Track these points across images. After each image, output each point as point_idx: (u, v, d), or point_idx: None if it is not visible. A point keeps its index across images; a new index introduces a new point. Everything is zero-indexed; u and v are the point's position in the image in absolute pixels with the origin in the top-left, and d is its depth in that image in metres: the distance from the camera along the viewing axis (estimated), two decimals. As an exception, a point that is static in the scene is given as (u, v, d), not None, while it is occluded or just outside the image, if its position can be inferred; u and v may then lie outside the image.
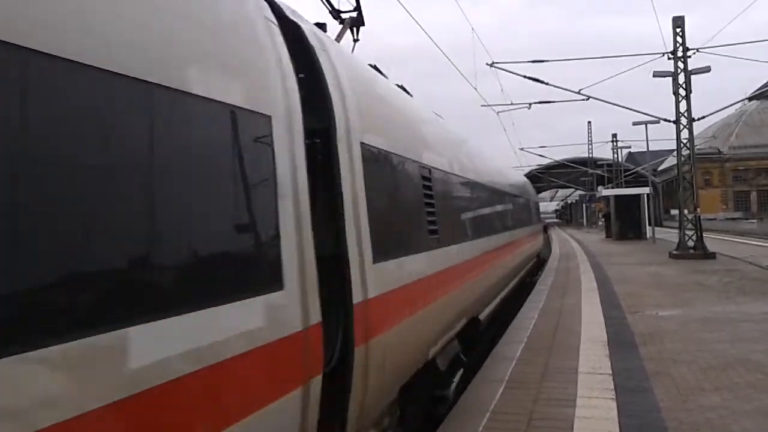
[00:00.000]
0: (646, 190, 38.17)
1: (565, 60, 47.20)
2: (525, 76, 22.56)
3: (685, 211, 22.59)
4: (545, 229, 42.18)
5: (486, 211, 10.81)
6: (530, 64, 23.12)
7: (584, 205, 71.12)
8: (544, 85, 22.84)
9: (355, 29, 7.99)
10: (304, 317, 3.42)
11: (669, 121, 23.37)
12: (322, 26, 5.24)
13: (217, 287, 2.79)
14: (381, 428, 5.19)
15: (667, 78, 22.38)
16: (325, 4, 7.61)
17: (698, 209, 22.51)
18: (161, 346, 2.37)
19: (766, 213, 73.18)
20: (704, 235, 22.39)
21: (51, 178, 2.02)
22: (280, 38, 3.70)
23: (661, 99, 35.73)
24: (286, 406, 3.21)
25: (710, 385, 6.15)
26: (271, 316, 3.13)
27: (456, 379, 7.28)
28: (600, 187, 55.88)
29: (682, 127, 22.53)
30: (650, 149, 42.57)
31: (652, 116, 27.61)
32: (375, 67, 6.93)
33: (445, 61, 18.04)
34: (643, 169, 55.10)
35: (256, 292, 3.03)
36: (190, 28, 2.84)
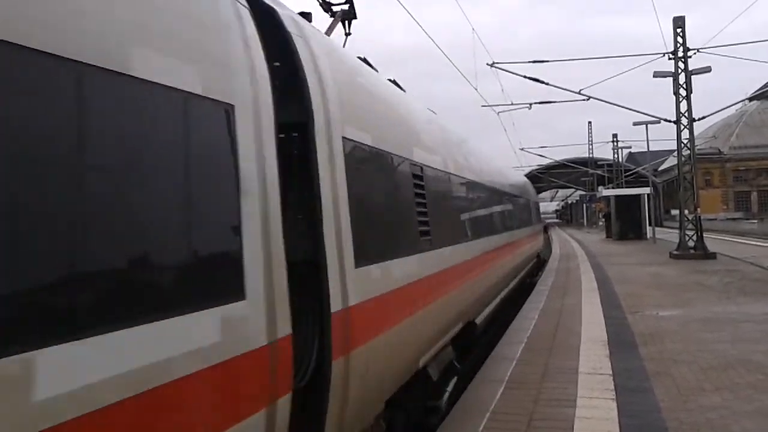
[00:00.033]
0: (646, 190, 38.16)
1: (565, 60, 47.24)
2: (525, 77, 22.56)
3: (686, 212, 22.59)
4: (545, 229, 42.15)
5: (483, 211, 10.52)
6: (530, 64, 23.14)
7: (584, 205, 71.04)
8: (544, 85, 22.84)
9: (347, 22, 7.73)
10: (271, 330, 3.11)
11: (669, 121, 23.36)
12: (306, 15, 4.98)
13: (159, 299, 2.46)
14: None
15: (667, 78, 22.38)
16: None
17: (699, 209, 22.50)
18: (77, 372, 2.01)
19: (767, 213, 73.12)
20: (705, 235, 22.38)
21: None
22: (250, 22, 3.42)
23: (662, 99, 35.70)
24: (245, 431, 2.89)
25: (711, 386, 6.14)
26: (229, 330, 2.79)
27: (449, 388, 6.97)
28: (600, 188, 55.86)
29: (682, 127, 22.53)
30: (651, 149, 42.60)
31: (653, 116, 27.63)
32: (365, 60, 6.62)
33: (446, 61, 18.04)
34: (643, 169, 55.13)
35: (211, 303, 2.70)
36: (132, 5, 2.52)
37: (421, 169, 6.46)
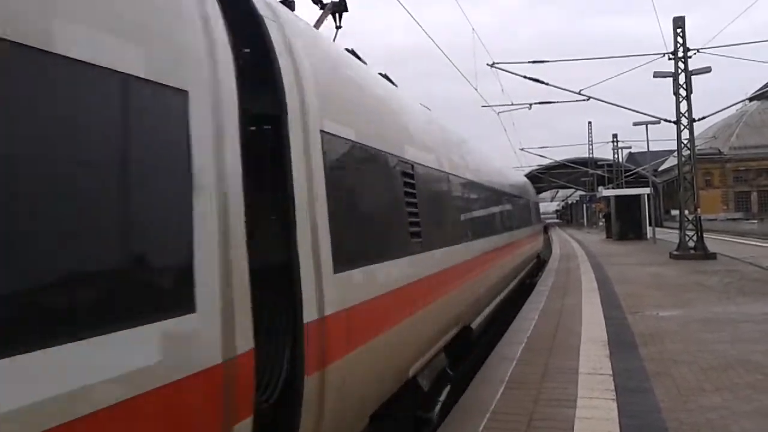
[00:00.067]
0: (646, 190, 38.17)
1: (565, 60, 47.23)
2: (525, 77, 22.56)
3: (686, 212, 22.60)
4: (546, 229, 42.12)
5: (480, 211, 10.19)
6: (531, 64, 23.13)
7: (585, 205, 71.04)
8: (544, 85, 22.85)
9: (337, 15, 7.38)
10: (227, 345, 2.76)
11: (669, 121, 23.37)
12: (289, 4, 4.67)
13: (80, 314, 2.09)
14: None
15: (667, 78, 22.38)
16: None
17: (699, 210, 22.51)
18: None
19: (767, 214, 73.11)
20: (705, 235, 22.38)
21: None
22: (212, 2, 3.08)
23: (662, 99, 35.64)
24: None
25: (711, 386, 6.15)
26: (172, 348, 2.44)
27: (442, 398, 6.59)
28: (600, 188, 55.88)
29: (682, 127, 22.53)
30: (651, 150, 42.60)
31: (653, 117, 27.65)
32: (353, 52, 6.26)
33: (446, 61, 18.04)
34: (643, 169, 55.11)
35: (149, 317, 2.34)
36: None
37: (413, 167, 6.12)
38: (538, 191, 45.07)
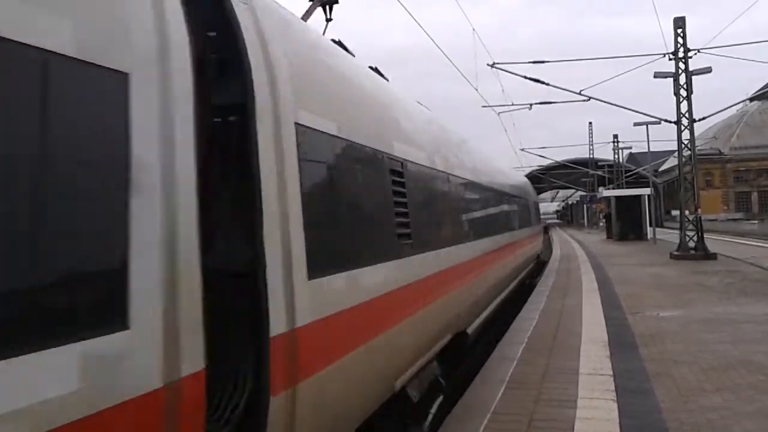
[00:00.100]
0: (647, 190, 38.16)
1: (565, 61, 47.23)
2: (526, 77, 22.56)
3: (686, 212, 22.60)
4: (546, 230, 42.09)
5: (477, 211, 9.83)
6: (531, 64, 23.14)
7: (585, 205, 71.09)
8: (544, 85, 22.85)
9: (327, 7, 7.10)
10: (170, 366, 2.43)
11: (670, 121, 23.36)
12: None
13: None
14: None
15: (668, 79, 22.38)
16: None
17: (699, 210, 22.50)
18: None
19: (767, 214, 73.08)
20: (705, 235, 22.37)
21: None
22: None
23: (662, 100, 35.63)
24: None
25: (711, 386, 6.14)
26: (97, 372, 2.12)
27: (433, 409, 6.23)
28: (601, 188, 55.93)
29: (683, 127, 22.53)
30: (651, 150, 42.58)
31: (653, 117, 27.64)
32: (339, 43, 5.94)
33: (446, 62, 18.04)
34: (644, 169, 55.11)
35: (67, 336, 2.02)
36: None
37: (403, 164, 5.77)
38: (539, 192, 45.08)
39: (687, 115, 22.33)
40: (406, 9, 11.27)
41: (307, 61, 4.34)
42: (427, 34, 13.66)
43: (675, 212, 48.04)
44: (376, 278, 4.70)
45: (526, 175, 39.48)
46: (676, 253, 22.18)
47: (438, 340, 6.61)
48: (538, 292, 14.51)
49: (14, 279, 1.91)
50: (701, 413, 5.35)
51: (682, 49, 21.92)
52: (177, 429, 2.49)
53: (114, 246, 2.27)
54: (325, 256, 3.86)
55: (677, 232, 25.82)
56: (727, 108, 35.89)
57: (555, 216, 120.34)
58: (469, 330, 8.37)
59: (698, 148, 28.71)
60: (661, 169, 79.57)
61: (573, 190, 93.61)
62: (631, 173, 59.82)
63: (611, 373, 6.75)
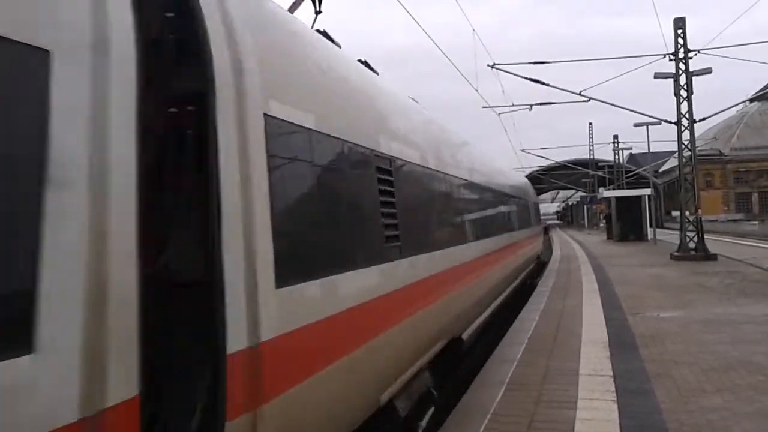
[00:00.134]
0: (647, 191, 38.17)
1: (566, 61, 47.24)
2: (526, 78, 22.57)
3: (687, 213, 22.60)
4: (546, 230, 42.07)
5: (473, 212, 9.44)
6: (531, 65, 23.16)
7: (585, 206, 71.11)
8: (545, 86, 22.86)
9: None
10: (90, 395, 2.08)
11: (670, 122, 23.37)
12: None
13: None
14: None
15: (668, 79, 22.39)
16: None
17: (699, 211, 22.50)
18: None
19: (767, 214, 73.16)
20: (705, 236, 22.37)
21: None
22: None
23: (663, 100, 35.60)
24: None
25: (711, 387, 6.13)
26: None
27: (424, 423, 5.88)
28: (601, 189, 55.92)
29: (683, 128, 22.54)
30: (651, 150, 42.65)
31: (654, 117, 27.68)
32: (324, 33, 5.60)
33: (446, 62, 18.05)
34: (644, 170, 55.14)
35: None
36: None
37: (391, 162, 5.44)
38: (539, 192, 45.08)
39: (687, 115, 22.34)
40: (405, 9, 11.27)
41: (283, 50, 3.99)
42: (427, 35, 13.66)
43: (675, 213, 48.07)
44: (358, 284, 4.34)
45: (527, 176, 39.53)
46: (676, 253, 22.18)
47: (430, 348, 6.22)
48: (539, 293, 14.51)
49: None
50: (701, 414, 5.35)
51: (682, 50, 21.92)
52: None
53: (18, 250, 1.95)
54: (298, 262, 3.52)
55: (677, 232, 25.81)
56: (728, 109, 35.71)
57: (555, 217, 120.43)
58: (465, 335, 8.02)
59: (698, 148, 28.72)
60: (661, 169, 79.61)
61: (573, 191, 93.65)
62: (631, 174, 59.84)
63: (611, 373, 6.74)
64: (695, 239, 21.92)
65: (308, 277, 3.59)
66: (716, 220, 60.60)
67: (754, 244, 30.18)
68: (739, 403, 5.59)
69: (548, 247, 33.66)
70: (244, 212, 3.01)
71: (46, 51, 2.08)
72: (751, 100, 73.42)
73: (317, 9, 6.75)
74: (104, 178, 2.25)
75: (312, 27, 5.65)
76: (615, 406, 5.62)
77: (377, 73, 6.90)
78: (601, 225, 50.80)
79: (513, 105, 29.89)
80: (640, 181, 58.62)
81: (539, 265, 23.52)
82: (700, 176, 37.25)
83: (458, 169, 8.78)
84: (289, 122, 3.61)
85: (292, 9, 6.39)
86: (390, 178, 5.34)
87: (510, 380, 6.71)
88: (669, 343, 8.18)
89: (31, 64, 2.04)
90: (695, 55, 22.08)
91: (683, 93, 22.15)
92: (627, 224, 36.62)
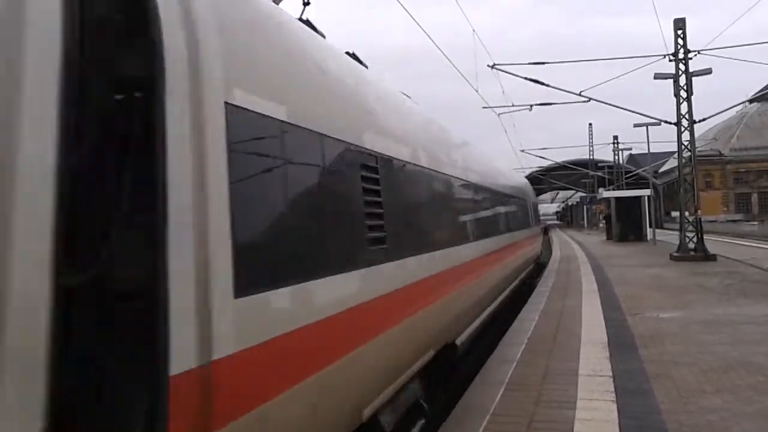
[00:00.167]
0: (647, 192, 38.20)
1: (566, 62, 47.25)
2: (526, 78, 22.57)
3: (686, 213, 22.61)
4: (546, 231, 42.05)
5: (467, 213, 9.04)
6: (531, 65, 23.17)
7: (585, 206, 71.13)
8: (544, 86, 22.86)
9: None
10: None
11: (670, 123, 23.39)
12: None
13: None
14: None
15: (668, 80, 22.40)
16: None
17: (699, 211, 22.53)
18: None
19: (767, 215, 73.11)
20: (705, 237, 22.39)
21: None
22: None
23: (662, 101, 35.59)
24: None
25: (711, 387, 6.13)
26: None
27: None
28: (601, 189, 55.98)
29: (683, 129, 22.56)
30: (651, 151, 42.61)
31: (653, 118, 27.71)
32: (308, 23, 5.23)
33: (446, 62, 18.05)
34: (644, 171, 55.15)
35: None
36: None
37: (377, 159, 5.08)
38: (539, 193, 45.14)
39: (687, 116, 22.35)
40: (405, 9, 11.27)
41: (253, 33, 3.63)
42: (427, 35, 13.66)
43: (675, 213, 48.07)
44: (336, 291, 3.95)
45: (527, 176, 39.49)
46: (675, 254, 22.19)
47: (419, 357, 5.84)
48: (539, 293, 14.52)
49: None
50: (701, 414, 5.35)
51: (682, 51, 21.94)
52: None
53: None
54: (264, 268, 3.15)
55: (677, 233, 25.82)
56: (727, 109, 35.78)
57: (555, 217, 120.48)
58: (459, 341, 7.62)
59: (698, 149, 28.73)
60: (661, 170, 79.66)
61: (573, 191, 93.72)
62: (631, 174, 59.88)
63: (611, 374, 6.74)
64: (695, 240, 21.93)
65: (275, 285, 3.22)
66: (716, 221, 60.64)
67: (754, 244, 30.19)
68: (739, 404, 5.59)
69: (548, 247, 33.65)
70: (197, 212, 2.65)
71: None
72: (751, 101, 73.43)
73: (305, 0, 6.39)
74: (11, 170, 1.99)
75: (300, 16, 5.36)
76: (614, 407, 5.61)
77: (366, 66, 6.55)
78: (601, 225, 50.82)
79: (513, 105, 29.88)
80: (639, 182, 58.66)
81: (538, 266, 23.33)
82: (700, 177, 37.27)
83: (452, 168, 8.46)
84: (256, 113, 3.26)
85: (277, 0, 6.14)
86: (375, 176, 5.00)
87: (509, 380, 6.71)
88: (668, 344, 8.18)
89: None
90: (695, 55, 22.12)
91: (683, 93, 22.16)
92: (626, 225, 36.66)
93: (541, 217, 34.00)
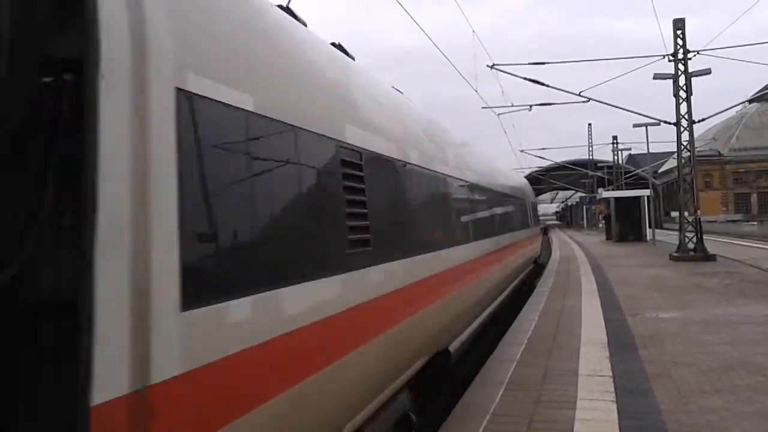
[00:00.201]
0: (646, 192, 38.24)
1: (565, 62, 47.30)
2: (525, 78, 22.58)
3: (686, 213, 22.63)
4: (546, 231, 42.03)
5: (461, 213, 8.67)
6: (531, 65, 23.18)
7: (584, 207, 71.15)
8: (544, 87, 22.87)
9: None
10: None
11: (669, 123, 23.40)
12: None
13: None
14: None
15: (667, 80, 22.41)
16: None
17: (698, 211, 22.54)
18: None
19: (767, 215, 73.15)
20: (704, 237, 22.40)
21: None
22: None
23: (662, 101, 35.57)
24: None
25: (711, 388, 6.14)
26: None
27: None
28: (600, 189, 55.98)
29: (682, 129, 22.57)
30: (651, 151, 42.61)
31: (653, 118, 27.72)
32: (288, 10, 4.85)
33: (446, 63, 18.06)
34: (643, 171, 55.15)
35: None
36: None
37: (361, 156, 4.71)
38: (538, 193, 45.17)
39: (686, 116, 22.37)
40: (405, 10, 11.26)
41: (212, 12, 3.24)
42: (427, 35, 13.66)
43: (674, 214, 48.07)
44: (310, 300, 3.56)
45: (526, 176, 39.46)
46: (675, 254, 22.20)
47: (408, 367, 5.49)
48: (538, 293, 14.53)
49: None
50: (701, 414, 5.35)
51: (681, 51, 21.95)
52: None
53: None
54: (220, 275, 2.79)
55: (676, 233, 25.83)
56: (727, 110, 35.80)
57: (554, 217, 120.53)
58: (452, 347, 7.26)
59: (697, 149, 28.76)
60: (660, 170, 79.66)
61: (572, 192, 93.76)
62: (630, 174, 59.91)
63: (611, 374, 6.75)
64: (694, 240, 21.95)
65: (234, 294, 2.82)
66: (715, 221, 60.65)
67: (753, 244, 30.21)
68: (739, 404, 5.60)
69: (547, 247, 33.66)
70: (134, 212, 2.29)
71: None
72: (750, 101, 73.48)
73: None
74: None
75: (286, 5, 5.00)
76: (614, 407, 5.62)
77: (352, 58, 6.12)
78: (600, 225, 50.83)
79: (512, 105, 29.89)
80: (639, 182, 58.70)
81: (537, 267, 23.11)
82: (699, 177, 37.29)
83: (446, 166, 8.04)
84: (214, 100, 2.88)
85: None
86: (358, 174, 4.60)
87: (509, 380, 6.72)
88: (668, 344, 8.18)
89: None
90: (694, 55, 22.14)
91: (682, 94, 22.18)
92: (626, 225, 36.69)
93: (541, 217, 33.96)
